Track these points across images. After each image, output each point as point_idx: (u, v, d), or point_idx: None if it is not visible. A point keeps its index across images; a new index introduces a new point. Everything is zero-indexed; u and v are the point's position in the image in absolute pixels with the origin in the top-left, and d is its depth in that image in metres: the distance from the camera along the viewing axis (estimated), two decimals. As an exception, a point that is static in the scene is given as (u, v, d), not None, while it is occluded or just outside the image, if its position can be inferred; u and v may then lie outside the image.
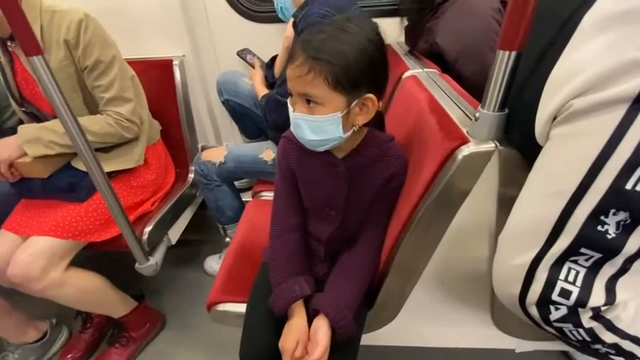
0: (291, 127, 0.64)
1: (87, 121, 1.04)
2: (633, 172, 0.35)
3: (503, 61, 0.48)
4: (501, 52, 0.48)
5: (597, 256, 0.41)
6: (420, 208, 0.60)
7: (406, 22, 1.16)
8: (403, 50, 1.16)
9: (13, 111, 1.22)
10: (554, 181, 0.41)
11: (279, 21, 1.32)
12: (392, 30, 1.27)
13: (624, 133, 0.35)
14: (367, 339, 0.78)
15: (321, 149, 0.65)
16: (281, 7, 1.22)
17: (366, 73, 0.57)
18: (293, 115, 0.61)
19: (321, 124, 0.59)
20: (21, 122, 1.18)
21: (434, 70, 0.91)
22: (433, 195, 0.57)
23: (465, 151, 0.53)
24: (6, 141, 1.01)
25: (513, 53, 0.47)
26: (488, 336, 0.80)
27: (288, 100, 0.63)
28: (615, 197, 0.37)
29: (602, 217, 0.38)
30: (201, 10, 1.41)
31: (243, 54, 1.43)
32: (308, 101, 0.59)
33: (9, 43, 1.04)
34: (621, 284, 0.42)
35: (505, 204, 0.58)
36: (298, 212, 0.75)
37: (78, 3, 1.05)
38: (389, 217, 0.73)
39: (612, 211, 0.38)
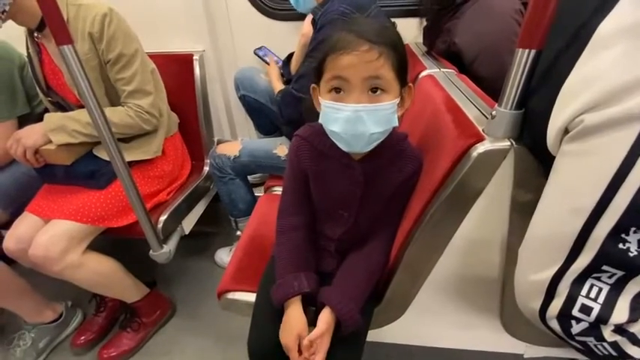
0: (341, 125, 0.58)
1: (108, 112, 1.06)
2: None
3: (522, 60, 0.48)
4: (520, 50, 0.48)
5: (620, 273, 0.40)
6: (433, 205, 0.60)
7: (425, 23, 1.15)
8: (421, 50, 1.16)
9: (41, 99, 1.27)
10: (572, 197, 0.41)
11: (298, 19, 1.33)
12: (410, 30, 1.27)
13: None
14: (374, 335, 0.78)
15: (369, 148, 0.62)
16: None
17: (407, 63, 0.60)
18: (351, 107, 0.56)
19: (385, 113, 0.58)
20: (46, 110, 1.23)
21: (451, 70, 0.91)
22: (446, 192, 0.57)
23: (480, 148, 0.53)
24: (32, 128, 1.06)
25: (532, 52, 0.47)
26: (496, 339, 0.80)
27: (326, 99, 0.59)
28: (635, 215, 0.36)
29: (623, 235, 0.38)
30: (223, 6, 1.44)
31: (260, 52, 1.45)
32: (374, 90, 0.57)
33: (36, 34, 1.08)
34: None
35: (518, 207, 0.58)
36: (305, 211, 0.75)
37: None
38: (402, 216, 0.73)
39: (633, 229, 0.37)
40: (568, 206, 0.41)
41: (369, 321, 0.75)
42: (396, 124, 0.61)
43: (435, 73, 0.90)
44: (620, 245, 0.38)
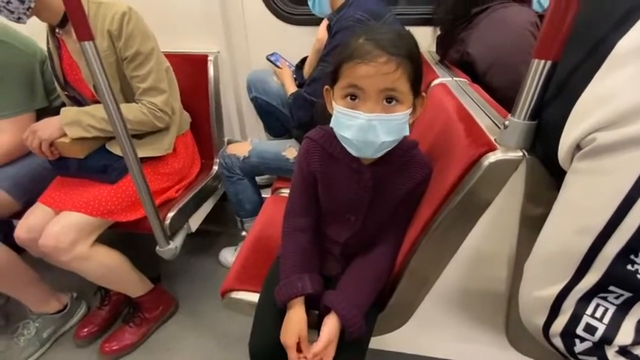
0: (353, 132, 0.58)
1: (123, 109, 1.08)
2: None
3: (538, 70, 0.48)
4: (536, 60, 0.48)
5: (627, 294, 0.39)
6: (441, 213, 0.59)
7: (439, 32, 1.16)
8: (434, 59, 1.16)
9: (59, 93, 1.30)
10: (581, 216, 0.40)
11: (313, 24, 1.35)
12: (424, 38, 1.27)
13: None
14: (375, 342, 0.77)
15: (379, 154, 0.62)
16: (314, 1, 1.21)
17: (422, 73, 0.60)
18: (365, 116, 0.56)
19: (398, 123, 0.58)
20: (63, 104, 1.25)
21: (464, 80, 0.91)
22: (455, 201, 0.57)
23: (492, 158, 0.52)
24: (49, 121, 1.08)
25: (549, 63, 0.47)
26: (501, 354, 0.78)
27: (340, 105, 0.59)
28: None
29: (632, 257, 0.37)
30: (239, 9, 1.46)
31: (272, 57, 1.46)
32: (389, 100, 0.57)
33: (57, 30, 1.11)
34: None
35: (528, 221, 0.57)
36: (311, 213, 0.76)
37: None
38: (409, 222, 0.73)
39: None
40: (577, 224, 0.41)
41: (372, 328, 0.74)
42: (407, 133, 0.61)
43: (448, 81, 0.90)
44: (629, 266, 0.37)
